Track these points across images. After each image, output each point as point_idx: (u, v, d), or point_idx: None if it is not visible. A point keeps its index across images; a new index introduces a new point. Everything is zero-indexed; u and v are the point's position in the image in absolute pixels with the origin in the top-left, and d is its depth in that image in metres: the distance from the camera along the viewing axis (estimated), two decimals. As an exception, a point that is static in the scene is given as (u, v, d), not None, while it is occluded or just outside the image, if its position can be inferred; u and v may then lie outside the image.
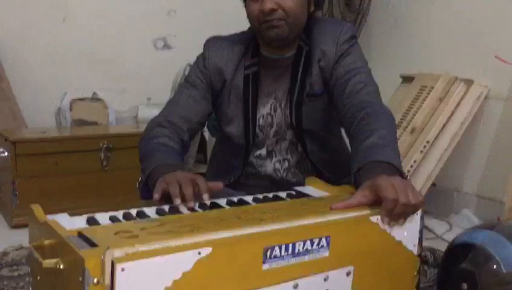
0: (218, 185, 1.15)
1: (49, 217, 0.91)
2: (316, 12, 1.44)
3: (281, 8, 1.30)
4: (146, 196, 1.13)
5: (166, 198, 1.09)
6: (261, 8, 1.29)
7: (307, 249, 0.89)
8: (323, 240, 0.91)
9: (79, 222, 0.92)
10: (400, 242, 1.01)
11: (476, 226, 1.39)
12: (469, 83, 2.27)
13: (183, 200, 1.06)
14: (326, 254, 0.92)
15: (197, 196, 1.08)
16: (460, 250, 1.28)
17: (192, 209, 1.05)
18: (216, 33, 1.51)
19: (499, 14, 2.23)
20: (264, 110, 1.42)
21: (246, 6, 1.35)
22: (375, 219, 0.98)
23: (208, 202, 1.10)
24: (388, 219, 0.98)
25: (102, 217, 0.96)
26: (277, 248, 0.86)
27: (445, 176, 2.36)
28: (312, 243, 0.90)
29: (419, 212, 1.02)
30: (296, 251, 0.88)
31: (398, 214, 0.98)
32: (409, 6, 2.67)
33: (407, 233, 1.02)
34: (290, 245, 0.88)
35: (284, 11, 1.30)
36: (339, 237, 0.93)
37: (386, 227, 0.99)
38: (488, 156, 2.30)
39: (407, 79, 2.56)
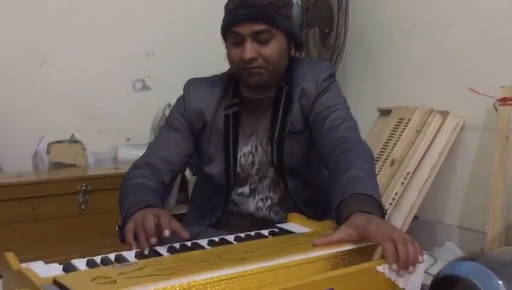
0: (184, 234, 1.11)
1: (24, 265, 0.88)
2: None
3: (261, 56, 1.31)
4: (124, 239, 1.11)
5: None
6: (242, 56, 1.30)
7: None
8: None
9: (55, 269, 0.89)
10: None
11: (459, 258, 1.39)
12: (445, 114, 2.32)
13: (146, 234, 1.06)
14: None
15: (159, 231, 1.07)
16: (445, 283, 1.27)
17: (171, 248, 1.03)
18: (194, 74, 1.51)
19: (471, 47, 2.30)
20: (245, 148, 1.42)
21: (226, 47, 1.37)
22: (382, 268, 0.94)
23: (188, 243, 1.08)
24: (396, 264, 0.94)
25: (80, 263, 0.94)
26: None
27: (427, 208, 2.37)
28: None
29: (425, 257, 0.98)
30: None
31: (403, 254, 0.94)
32: (382, 43, 2.73)
33: (411, 281, 0.98)
34: None
35: (264, 59, 1.31)
36: (343, 288, 0.90)
37: (392, 275, 0.95)
38: (467, 187, 2.32)
39: (385, 112, 2.60)
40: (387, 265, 0.94)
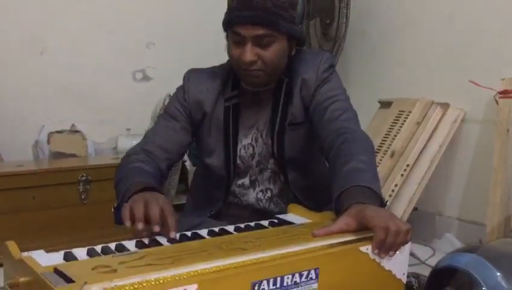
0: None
1: (25, 253, 0.88)
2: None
3: (261, 59, 1.30)
4: (120, 220, 1.10)
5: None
6: (241, 58, 1.29)
7: (295, 282, 0.88)
8: (312, 272, 0.90)
9: (56, 258, 0.89)
10: (389, 271, 1.00)
11: (458, 249, 1.39)
12: (445, 106, 2.31)
13: (148, 222, 1.04)
14: (315, 286, 0.90)
15: (163, 220, 1.06)
16: (443, 274, 1.27)
17: (173, 239, 1.03)
18: (194, 65, 1.51)
19: (472, 39, 2.29)
20: (245, 140, 1.42)
21: (227, 40, 1.36)
22: (365, 248, 0.96)
23: (189, 233, 1.09)
24: (379, 250, 0.97)
25: (80, 252, 0.94)
26: (265, 282, 0.85)
27: (427, 200, 2.37)
28: (301, 276, 0.88)
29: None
30: (285, 284, 0.87)
31: (390, 243, 0.97)
32: (383, 35, 2.72)
33: (396, 262, 1.00)
34: (279, 279, 0.86)
35: (264, 62, 1.30)
36: (327, 268, 0.92)
37: (375, 257, 0.97)
38: (467, 179, 2.32)
39: (385, 104, 2.60)
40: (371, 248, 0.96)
